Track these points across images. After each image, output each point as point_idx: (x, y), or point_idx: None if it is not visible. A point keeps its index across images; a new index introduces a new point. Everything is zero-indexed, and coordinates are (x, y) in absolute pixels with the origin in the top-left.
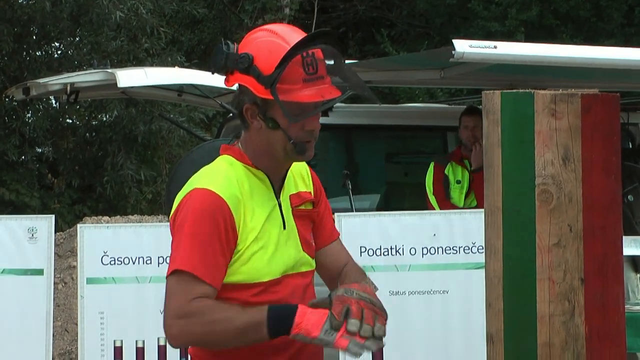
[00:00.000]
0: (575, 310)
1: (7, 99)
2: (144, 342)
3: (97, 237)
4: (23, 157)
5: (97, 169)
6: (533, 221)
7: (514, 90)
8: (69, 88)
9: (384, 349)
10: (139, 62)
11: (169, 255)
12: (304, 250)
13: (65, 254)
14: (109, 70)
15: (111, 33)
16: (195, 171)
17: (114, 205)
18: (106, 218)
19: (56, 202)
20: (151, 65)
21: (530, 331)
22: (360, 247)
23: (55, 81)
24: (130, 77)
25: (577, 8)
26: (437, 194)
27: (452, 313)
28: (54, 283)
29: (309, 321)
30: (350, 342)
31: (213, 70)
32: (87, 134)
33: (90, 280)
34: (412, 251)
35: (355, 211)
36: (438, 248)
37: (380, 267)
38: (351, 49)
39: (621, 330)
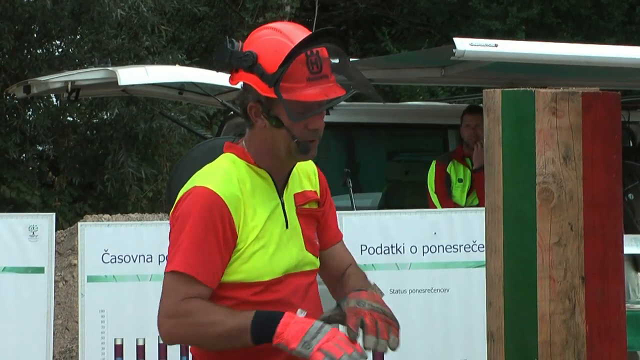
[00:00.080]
0: (575, 309)
1: (7, 97)
2: (144, 340)
3: (97, 235)
4: (24, 155)
5: (97, 167)
6: (534, 220)
7: (515, 89)
8: (69, 86)
9: None
10: (139, 60)
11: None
12: (307, 250)
13: (66, 252)
14: (110, 68)
15: (112, 31)
16: (196, 169)
17: (115, 203)
18: (107, 216)
19: (57, 200)
20: (152, 63)
21: (531, 330)
22: (361, 245)
23: (56, 79)
24: (131, 75)
25: (577, 6)
26: (439, 192)
27: (453, 311)
28: (55, 281)
29: (290, 332)
30: (326, 357)
31: (217, 68)
32: (88, 132)
33: (90, 279)
34: (413, 249)
35: (357, 209)
36: (439, 246)
37: (380, 265)
38: (352, 47)
39: (622, 329)
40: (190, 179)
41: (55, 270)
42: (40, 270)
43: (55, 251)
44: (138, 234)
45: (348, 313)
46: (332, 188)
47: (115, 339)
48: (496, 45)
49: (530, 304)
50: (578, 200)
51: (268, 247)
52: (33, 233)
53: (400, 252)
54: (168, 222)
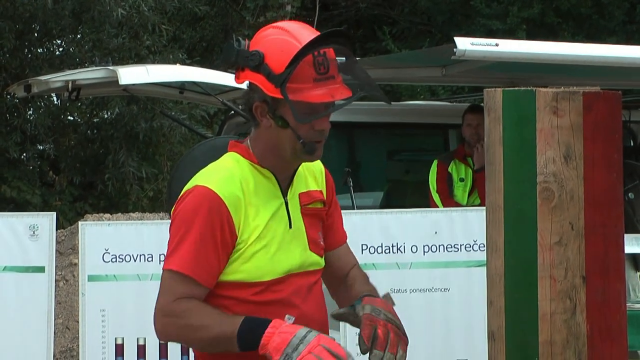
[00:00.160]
0: (576, 308)
1: (8, 96)
2: (145, 339)
3: (98, 234)
4: (24, 154)
5: (98, 166)
6: (534, 219)
7: (516, 88)
8: (70, 85)
9: None
10: (140, 59)
11: None
12: (311, 250)
13: (67, 252)
14: (111, 68)
15: (113, 30)
16: (197, 169)
17: (115, 202)
18: (107, 215)
19: (57, 200)
20: (153, 62)
21: (532, 329)
22: (362, 244)
23: (56, 78)
24: (131, 75)
25: (578, 6)
26: (441, 192)
27: (454, 311)
28: (55, 280)
29: (273, 343)
30: None
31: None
32: (89, 131)
33: (91, 278)
34: (414, 249)
35: (358, 209)
36: (439, 246)
37: (381, 264)
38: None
39: (622, 328)
40: (193, 178)
41: (55, 270)
42: (40, 269)
43: (56, 250)
44: (139, 234)
45: (364, 320)
46: None
47: (115, 339)
48: (497, 45)
49: (531, 304)
50: (579, 199)
51: (270, 247)
52: (34, 232)
53: (401, 252)
54: (169, 221)
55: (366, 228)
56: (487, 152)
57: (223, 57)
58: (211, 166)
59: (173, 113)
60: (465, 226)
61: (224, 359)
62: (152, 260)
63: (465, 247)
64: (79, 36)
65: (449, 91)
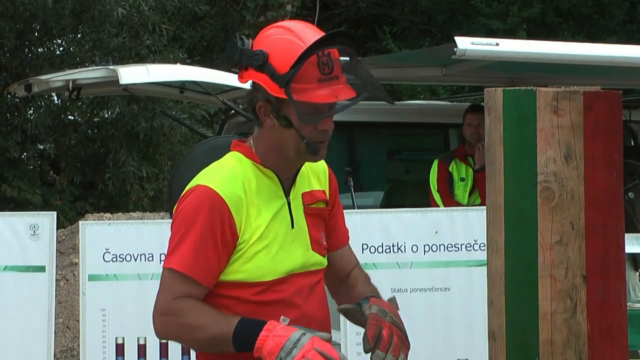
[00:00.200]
0: (577, 308)
1: (9, 96)
2: (145, 339)
3: (98, 234)
4: (25, 154)
5: (98, 165)
6: (535, 218)
7: (516, 88)
8: (70, 85)
9: None
10: (140, 59)
11: None
12: (313, 250)
13: (67, 251)
14: (111, 67)
15: (113, 30)
16: (197, 168)
17: (116, 202)
18: (108, 215)
19: (58, 199)
20: (153, 62)
21: (532, 329)
22: (362, 244)
23: (57, 78)
24: (132, 74)
25: (579, 5)
26: (442, 191)
27: (454, 310)
28: (56, 280)
29: (267, 346)
30: None
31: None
32: (89, 131)
33: (91, 277)
34: (414, 248)
35: (358, 208)
36: (440, 245)
37: (381, 264)
38: None
39: (623, 328)
40: (196, 177)
41: (56, 269)
42: (41, 269)
43: (57, 250)
44: (139, 233)
45: (370, 319)
46: None
47: (116, 338)
48: (497, 44)
49: (531, 303)
50: (579, 199)
51: (271, 247)
52: (34, 232)
53: (402, 251)
54: (169, 221)
55: (366, 228)
56: (488, 151)
57: (226, 56)
58: (214, 165)
59: (173, 112)
60: (465, 226)
61: (224, 359)
62: (152, 259)
63: (465, 247)
64: (79, 36)
65: (449, 91)
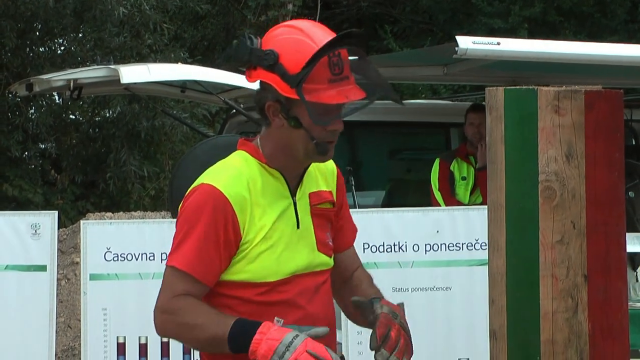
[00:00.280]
0: (578, 307)
1: (10, 95)
2: (147, 338)
3: (100, 233)
4: (26, 153)
5: (100, 165)
6: (536, 218)
7: (518, 87)
8: (72, 84)
9: None
10: (142, 58)
11: None
12: (319, 250)
13: (68, 250)
14: (112, 67)
15: (114, 29)
16: (198, 167)
17: (117, 201)
18: (109, 214)
19: (59, 198)
20: (154, 61)
21: (534, 328)
22: (363, 243)
23: (58, 77)
24: (133, 73)
25: (580, 4)
26: (443, 190)
27: (455, 310)
28: (57, 279)
29: (261, 350)
30: None
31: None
32: (90, 130)
33: (93, 277)
34: (415, 248)
35: (360, 207)
36: (441, 245)
37: (383, 263)
38: None
39: (624, 327)
40: (201, 175)
41: (57, 269)
42: (42, 268)
43: (58, 249)
44: (140, 232)
45: (381, 318)
46: None
47: (117, 337)
48: (498, 44)
49: (532, 302)
50: (580, 198)
51: (276, 247)
52: (35, 231)
53: (403, 251)
54: (170, 220)
55: (368, 227)
56: (489, 150)
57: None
58: (219, 164)
59: (175, 112)
60: (467, 225)
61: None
62: (153, 259)
63: (467, 246)
64: (80, 35)
65: (451, 90)
